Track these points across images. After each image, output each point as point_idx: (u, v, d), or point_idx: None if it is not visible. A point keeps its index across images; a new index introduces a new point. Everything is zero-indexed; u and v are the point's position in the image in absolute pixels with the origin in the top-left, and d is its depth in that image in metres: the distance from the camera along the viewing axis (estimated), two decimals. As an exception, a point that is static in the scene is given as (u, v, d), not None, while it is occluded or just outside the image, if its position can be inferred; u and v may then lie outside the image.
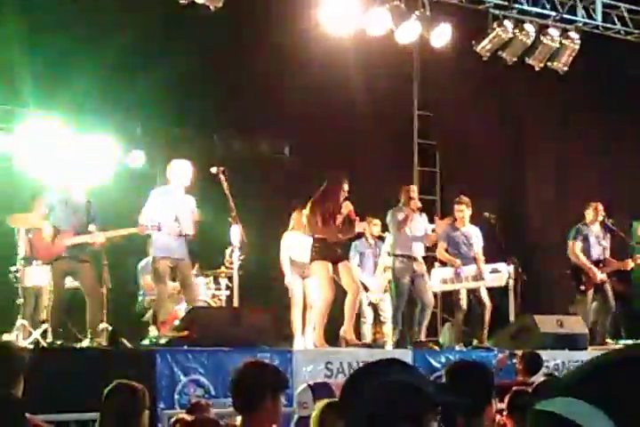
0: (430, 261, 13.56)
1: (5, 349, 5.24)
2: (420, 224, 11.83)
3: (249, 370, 5.17)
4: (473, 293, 12.09)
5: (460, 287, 12.06)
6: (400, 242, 11.70)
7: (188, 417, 6.65)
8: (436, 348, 12.45)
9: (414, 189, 11.86)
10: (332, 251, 10.81)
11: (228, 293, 12.34)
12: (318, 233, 10.74)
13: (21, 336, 10.85)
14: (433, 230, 12.05)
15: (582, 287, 12.62)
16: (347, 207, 10.73)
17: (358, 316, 12.70)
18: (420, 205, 11.78)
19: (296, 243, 11.76)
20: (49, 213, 10.53)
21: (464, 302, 12.01)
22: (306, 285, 11.57)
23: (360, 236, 12.71)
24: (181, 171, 10.92)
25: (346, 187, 10.86)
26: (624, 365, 1.16)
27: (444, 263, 12.52)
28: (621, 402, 1.13)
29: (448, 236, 12.29)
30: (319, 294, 10.93)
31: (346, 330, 10.99)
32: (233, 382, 5.10)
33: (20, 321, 10.98)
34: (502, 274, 12.23)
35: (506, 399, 5.70)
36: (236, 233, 10.96)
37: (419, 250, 11.78)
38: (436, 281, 12.18)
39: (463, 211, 12.31)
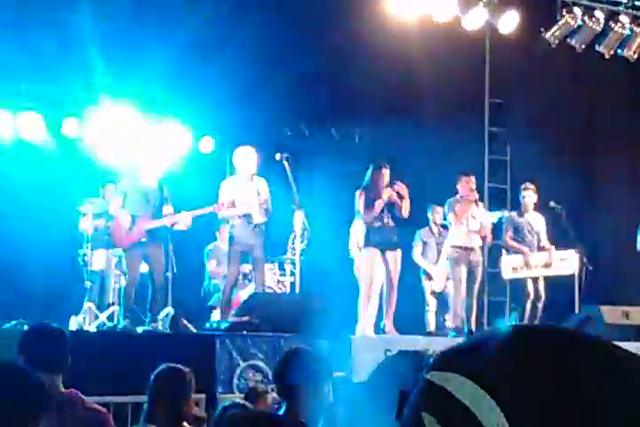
0: (498, 249, 13.49)
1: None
2: (477, 215, 11.75)
3: (289, 359, 5.22)
4: (534, 282, 12.03)
5: (530, 275, 11.99)
6: (457, 233, 11.65)
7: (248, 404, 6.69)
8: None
9: (473, 180, 11.74)
10: (382, 238, 10.88)
11: (292, 279, 12.42)
12: (364, 219, 10.89)
13: (88, 319, 11.07)
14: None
15: None
16: (386, 193, 10.78)
17: (422, 304, 12.71)
18: (477, 196, 11.67)
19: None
20: (123, 201, 10.69)
21: (531, 290, 11.96)
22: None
23: (424, 224, 12.73)
24: (246, 157, 11.02)
25: (386, 173, 10.89)
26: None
27: (508, 253, 12.45)
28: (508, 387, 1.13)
29: (513, 223, 12.22)
30: (360, 280, 11.00)
31: (386, 322, 11.01)
32: (274, 371, 5.17)
33: (86, 304, 11.20)
34: (571, 261, 12.13)
35: None
36: (299, 220, 11.02)
37: (476, 241, 11.70)
38: (507, 269, 12.13)
39: (529, 197, 12.20)
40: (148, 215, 10.65)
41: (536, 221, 12.26)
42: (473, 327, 11.62)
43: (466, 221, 11.65)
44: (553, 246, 12.15)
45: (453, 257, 11.64)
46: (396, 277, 11.09)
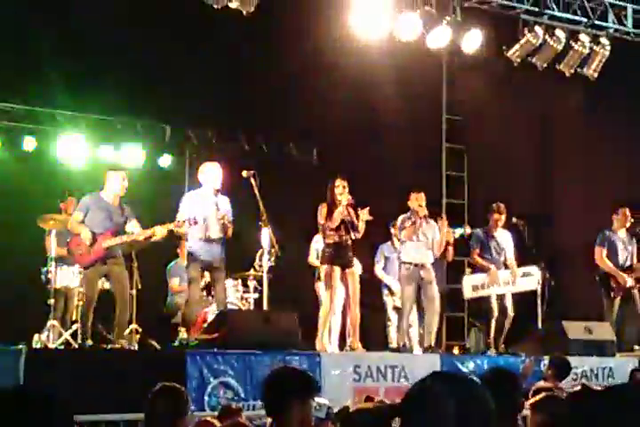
0: (460, 266, 13.60)
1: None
2: (428, 231, 11.80)
3: (278, 375, 5.25)
4: (500, 299, 12.07)
5: (491, 293, 12.03)
6: (407, 249, 11.70)
7: (217, 422, 6.67)
8: (456, 353, 12.49)
9: (422, 197, 11.77)
10: (341, 255, 10.94)
11: (256, 295, 12.39)
12: (323, 235, 11.04)
13: (52, 337, 10.93)
14: (468, 235, 12.14)
15: (612, 293, 12.58)
16: (363, 214, 10.91)
17: (383, 320, 12.76)
18: (426, 212, 11.71)
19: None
20: (84, 218, 10.58)
21: (495, 307, 11.99)
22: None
23: (385, 240, 12.80)
24: (212, 173, 10.97)
25: (338, 189, 10.95)
26: None
27: (473, 269, 12.52)
28: None
29: (481, 241, 12.28)
30: (321, 299, 11.05)
31: (352, 340, 11.04)
32: (263, 387, 5.18)
33: (50, 322, 11.06)
34: (534, 277, 12.22)
35: (532, 400, 5.68)
36: (266, 236, 11.01)
37: (427, 257, 11.76)
38: (468, 288, 12.15)
39: (499, 219, 12.25)
40: (109, 233, 10.54)
41: (503, 239, 12.31)
42: (432, 343, 11.64)
43: (416, 237, 11.68)
44: (514, 263, 12.22)
45: (404, 274, 11.66)
46: (357, 293, 11.13)
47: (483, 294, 12.06)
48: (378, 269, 12.82)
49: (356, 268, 11.47)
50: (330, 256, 10.99)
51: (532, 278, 12.19)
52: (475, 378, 3.05)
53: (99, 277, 10.61)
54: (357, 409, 4.70)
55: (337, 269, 10.95)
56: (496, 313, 11.99)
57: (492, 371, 5.33)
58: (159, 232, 10.50)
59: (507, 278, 12.06)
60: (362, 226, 11.01)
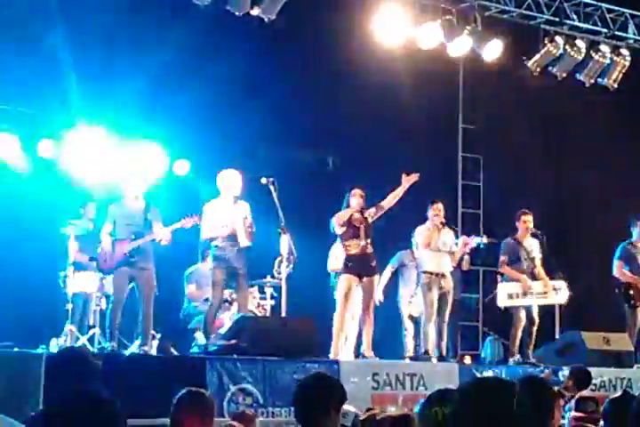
0: (475, 274, 13.59)
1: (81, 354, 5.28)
2: (446, 240, 11.82)
3: (313, 382, 5.20)
4: (526, 308, 12.00)
5: (526, 303, 11.95)
6: (426, 259, 11.71)
7: (239, 425, 6.68)
8: (468, 362, 12.45)
9: (439, 207, 11.82)
10: (363, 266, 10.94)
11: (273, 302, 12.38)
12: (343, 246, 11.12)
13: (69, 342, 10.94)
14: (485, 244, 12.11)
15: (631, 302, 12.46)
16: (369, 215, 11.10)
17: (400, 328, 12.73)
18: (443, 220, 11.74)
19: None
20: (113, 227, 10.70)
21: (523, 316, 11.91)
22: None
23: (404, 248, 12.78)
24: (231, 180, 10.99)
25: (354, 200, 10.98)
26: None
27: (502, 276, 12.44)
28: None
29: (511, 250, 12.21)
30: (337, 305, 11.04)
31: (365, 348, 11.01)
32: (298, 395, 5.12)
33: (68, 326, 11.08)
34: (563, 291, 12.09)
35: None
36: (285, 243, 11.00)
37: (446, 266, 11.77)
38: (503, 296, 12.06)
39: (529, 225, 12.20)
40: (128, 239, 10.63)
41: (532, 248, 12.25)
42: (444, 352, 11.63)
43: (435, 246, 11.70)
44: (543, 274, 12.15)
45: (425, 283, 11.66)
46: (372, 302, 11.13)
47: (518, 303, 11.94)
48: (385, 271, 12.69)
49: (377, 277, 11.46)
50: (352, 267, 10.99)
51: (562, 292, 12.08)
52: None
53: (126, 281, 10.63)
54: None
55: (356, 280, 10.96)
56: (524, 322, 11.92)
57: (526, 379, 5.30)
58: (162, 234, 10.57)
59: (540, 290, 11.97)
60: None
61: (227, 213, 10.79)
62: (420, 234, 11.82)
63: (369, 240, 11.09)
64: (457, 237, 12.58)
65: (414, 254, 12.63)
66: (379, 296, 12.13)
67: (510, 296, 11.93)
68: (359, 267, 10.98)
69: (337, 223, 11.10)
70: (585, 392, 8.96)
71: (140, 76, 12.49)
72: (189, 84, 13.00)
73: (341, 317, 11.08)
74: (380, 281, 12.49)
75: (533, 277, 12.10)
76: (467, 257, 12.87)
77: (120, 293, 10.56)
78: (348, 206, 11.10)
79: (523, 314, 11.91)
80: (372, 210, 11.28)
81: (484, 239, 12.56)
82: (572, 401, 8.04)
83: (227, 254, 10.69)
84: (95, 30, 12.53)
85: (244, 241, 10.71)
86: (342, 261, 11.17)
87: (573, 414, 7.59)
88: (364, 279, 11.01)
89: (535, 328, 11.93)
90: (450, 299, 11.69)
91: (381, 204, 11.35)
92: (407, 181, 11.32)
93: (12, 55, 11.93)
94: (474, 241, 12.54)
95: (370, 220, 11.18)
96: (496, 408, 2.81)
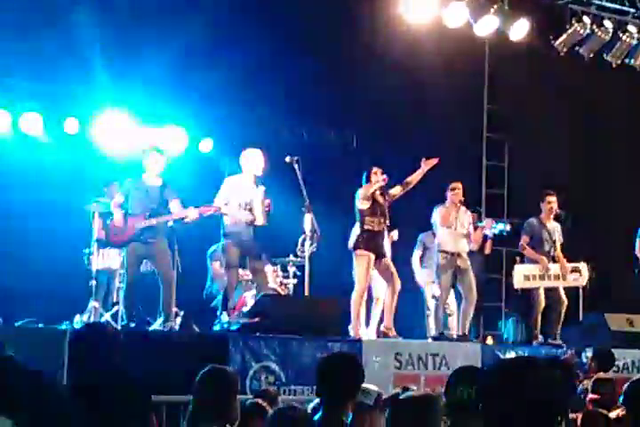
0: (512, 256, 13.53)
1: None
2: (464, 221, 11.83)
3: (337, 361, 5.23)
4: (551, 289, 11.97)
5: (542, 286, 11.93)
6: (443, 238, 11.69)
7: (267, 406, 6.68)
8: (490, 342, 12.46)
9: (458, 186, 11.83)
10: (375, 243, 10.98)
11: (295, 281, 12.39)
12: (360, 221, 11.17)
13: (92, 318, 10.99)
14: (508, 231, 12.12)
15: None
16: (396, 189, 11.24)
17: (422, 309, 12.73)
18: (462, 198, 11.76)
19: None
20: (125, 200, 10.68)
21: (542, 299, 11.90)
22: (372, 276, 11.54)
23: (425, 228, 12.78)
24: (253, 159, 11.00)
25: (375, 177, 10.99)
26: None
27: (522, 259, 12.42)
28: None
29: (532, 229, 12.15)
30: (356, 283, 11.03)
31: (386, 326, 11.02)
32: (321, 371, 5.14)
33: (91, 303, 11.12)
34: (583, 273, 12.09)
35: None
36: (308, 222, 11.01)
37: (462, 246, 11.77)
38: (519, 278, 12.05)
39: (553, 205, 12.14)
40: (144, 215, 10.62)
41: (554, 230, 12.20)
42: (467, 332, 11.63)
43: (454, 226, 11.70)
44: (562, 257, 12.10)
45: (440, 263, 11.66)
46: (397, 283, 11.12)
47: (534, 285, 11.94)
48: (414, 256, 12.76)
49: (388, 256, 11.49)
50: (363, 242, 11.04)
51: (581, 275, 12.06)
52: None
53: (138, 258, 10.65)
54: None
55: (371, 256, 10.97)
56: (543, 304, 11.89)
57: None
58: (192, 215, 10.56)
59: (557, 272, 11.95)
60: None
61: (246, 191, 10.81)
62: (438, 213, 11.83)
63: (386, 221, 11.15)
64: (480, 220, 12.57)
65: (435, 235, 12.64)
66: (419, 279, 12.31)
67: (527, 278, 11.92)
68: (373, 244, 11.01)
69: (362, 197, 11.11)
70: (602, 374, 8.95)
71: (164, 57, 12.49)
72: (213, 62, 12.99)
73: (360, 295, 11.09)
74: (414, 269, 12.54)
75: (553, 260, 12.06)
76: (489, 241, 12.88)
77: (132, 269, 10.57)
78: (368, 182, 11.13)
79: (542, 296, 11.89)
80: (398, 188, 11.31)
81: (508, 227, 12.50)
82: (590, 382, 8.02)
83: (240, 232, 10.70)
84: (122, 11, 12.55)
85: (260, 220, 10.72)
86: (356, 236, 11.16)
87: (590, 396, 7.59)
88: (382, 261, 11.04)
89: (563, 309, 11.89)
90: (470, 277, 11.65)
91: (407, 180, 11.36)
92: (426, 164, 11.31)
93: (37, 33, 11.95)
94: (497, 228, 12.50)
95: (390, 200, 11.21)
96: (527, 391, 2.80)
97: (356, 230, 11.69)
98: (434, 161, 11.31)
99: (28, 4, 12.04)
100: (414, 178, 11.38)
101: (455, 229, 11.74)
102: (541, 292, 11.90)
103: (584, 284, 12.19)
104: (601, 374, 8.77)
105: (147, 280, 10.94)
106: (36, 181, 12.25)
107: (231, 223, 10.78)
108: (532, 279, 11.90)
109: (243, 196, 10.77)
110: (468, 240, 11.90)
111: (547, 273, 11.88)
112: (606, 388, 7.66)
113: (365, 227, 11.11)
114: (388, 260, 11.23)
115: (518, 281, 12.04)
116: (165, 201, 10.78)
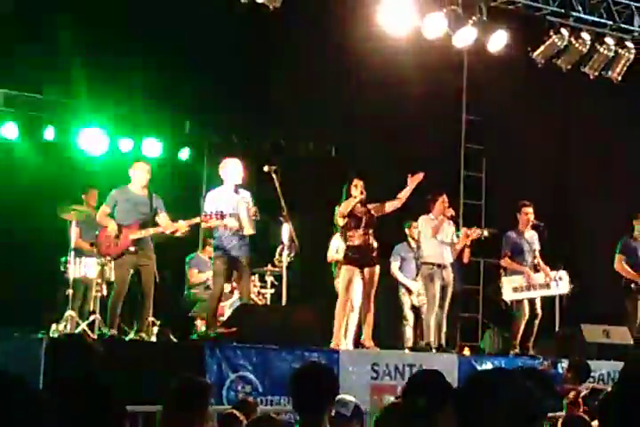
0: (493, 267, 13.55)
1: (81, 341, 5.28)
2: (448, 232, 11.84)
3: (311, 371, 5.20)
4: (529, 301, 12.01)
5: (531, 296, 11.96)
6: (430, 249, 11.70)
7: (241, 416, 6.66)
8: (467, 354, 12.47)
9: (446, 199, 11.86)
10: (364, 257, 10.92)
11: (272, 291, 12.37)
12: (344, 238, 11.08)
13: (69, 327, 10.92)
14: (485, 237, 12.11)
15: (632, 295, 12.45)
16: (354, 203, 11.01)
17: (400, 319, 12.73)
18: (453, 212, 11.78)
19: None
20: (113, 210, 10.64)
21: (527, 310, 11.92)
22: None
23: (401, 240, 12.78)
24: (233, 169, 10.97)
25: (355, 189, 10.94)
26: None
27: (505, 272, 12.41)
28: None
29: (513, 243, 12.19)
30: (339, 295, 11.03)
31: (365, 337, 11.00)
32: (295, 383, 5.10)
33: (68, 312, 11.04)
34: (565, 281, 12.14)
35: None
36: (286, 232, 10.99)
37: (447, 257, 11.78)
38: (508, 289, 12.06)
39: (530, 214, 12.18)
40: (136, 225, 10.58)
41: (532, 239, 12.26)
42: (444, 343, 11.63)
43: (440, 238, 11.71)
44: (544, 266, 12.15)
45: (427, 274, 11.65)
46: (373, 292, 11.11)
47: (523, 296, 11.96)
48: (394, 268, 12.78)
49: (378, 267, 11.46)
50: (353, 259, 10.97)
51: (563, 282, 12.12)
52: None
53: (129, 269, 10.60)
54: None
55: (357, 271, 10.95)
56: (527, 315, 11.92)
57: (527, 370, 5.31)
58: (183, 227, 10.52)
59: (542, 281, 12.00)
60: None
61: (229, 202, 10.76)
62: (426, 224, 11.79)
63: (371, 231, 11.06)
64: (458, 230, 12.59)
65: (410, 245, 12.64)
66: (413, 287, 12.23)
67: (515, 289, 11.94)
68: (361, 258, 10.96)
69: (340, 215, 11.07)
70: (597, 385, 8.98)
71: (141, 66, 12.48)
72: (190, 73, 13.00)
73: (343, 308, 11.08)
74: (398, 280, 12.52)
75: (535, 268, 12.12)
76: (467, 250, 12.87)
77: (123, 283, 10.51)
78: (348, 197, 11.05)
79: (527, 308, 11.91)
80: (375, 205, 11.20)
81: (486, 232, 12.53)
82: (582, 394, 8.03)
83: (229, 244, 10.65)
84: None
85: (247, 229, 10.68)
86: (343, 251, 11.15)
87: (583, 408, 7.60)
88: (366, 270, 11.00)
89: (537, 321, 11.94)
90: (450, 291, 11.69)
91: (385, 204, 11.24)
92: (412, 181, 11.21)
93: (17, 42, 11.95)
94: (475, 233, 12.53)
95: (373, 212, 11.14)
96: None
97: (336, 244, 11.68)
98: (419, 176, 11.19)
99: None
100: (404, 195, 11.27)
101: (441, 241, 11.74)
102: (526, 303, 11.93)
103: (567, 291, 12.22)
104: (596, 386, 8.83)
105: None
106: (10, 188, 12.20)
107: (221, 235, 10.71)
108: (521, 290, 11.95)
109: (227, 207, 10.71)
110: (453, 250, 11.90)
111: (531, 283, 11.92)
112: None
113: (348, 243, 11.06)
114: (374, 270, 11.12)
115: (508, 293, 12.06)
116: (155, 211, 10.76)
